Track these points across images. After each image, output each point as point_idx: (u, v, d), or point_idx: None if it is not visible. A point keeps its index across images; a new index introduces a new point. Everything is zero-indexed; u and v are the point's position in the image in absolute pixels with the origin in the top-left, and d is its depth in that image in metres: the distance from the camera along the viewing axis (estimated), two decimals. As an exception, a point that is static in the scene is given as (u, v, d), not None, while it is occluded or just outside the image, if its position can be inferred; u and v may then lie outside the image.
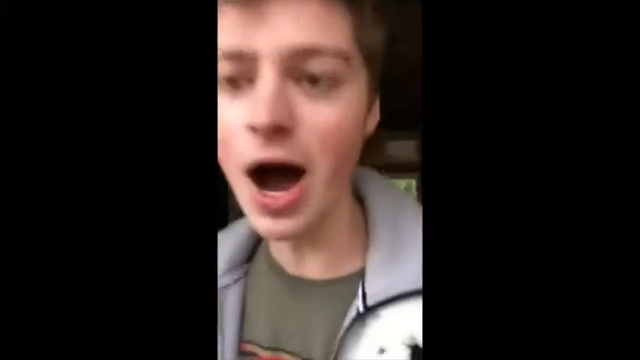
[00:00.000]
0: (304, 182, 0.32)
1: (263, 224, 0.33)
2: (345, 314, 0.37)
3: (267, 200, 0.32)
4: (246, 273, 0.45)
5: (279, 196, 0.32)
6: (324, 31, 0.29)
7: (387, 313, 0.35)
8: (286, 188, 0.32)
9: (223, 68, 0.32)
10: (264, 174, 0.32)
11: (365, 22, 0.31)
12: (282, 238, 0.35)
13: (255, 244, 0.47)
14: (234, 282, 0.44)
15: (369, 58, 0.33)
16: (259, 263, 0.45)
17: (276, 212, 0.32)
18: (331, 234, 0.39)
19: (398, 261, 0.37)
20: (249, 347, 0.42)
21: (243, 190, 0.34)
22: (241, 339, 0.43)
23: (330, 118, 0.30)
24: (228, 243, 0.46)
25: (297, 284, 0.41)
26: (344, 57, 0.30)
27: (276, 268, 0.43)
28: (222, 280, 0.44)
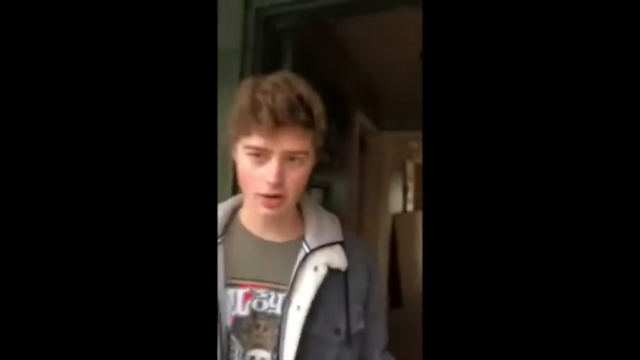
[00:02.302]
0: (285, 199, 0.68)
1: (263, 211, 0.68)
2: (296, 257, 0.70)
3: (267, 203, 0.68)
4: (223, 238, 0.73)
5: (273, 202, 0.68)
6: (301, 144, 0.66)
7: (318, 252, 0.70)
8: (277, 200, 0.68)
9: (252, 151, 0.66)
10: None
11: (316, 136, 0.69)
12: (273, 216, 0.70)
13: (229, 218, 0.76)
14: (220, 242, 0.72)
15: (317, 146, 0.70)
16: (233, 230, 0.75)
17: (270, 207, 0.68)
18: (288, 218, 0.75)
19: (321, 229, 0.74)
20: (234, 281, 0.69)
21: (254, 199, 0.68)
22: (230, 279, 0.69)
23: (298, 175, 0.68)
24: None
25: (264, 243, 0.73)
26: (306, 153, 0.67)
27: (247, 234, 0.74)
28: None
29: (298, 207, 0.77)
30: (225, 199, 0.80)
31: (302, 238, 0.72)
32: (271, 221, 0.72)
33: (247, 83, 0.66)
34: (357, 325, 0.71)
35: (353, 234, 0.79)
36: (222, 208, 0.76)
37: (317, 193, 2.24)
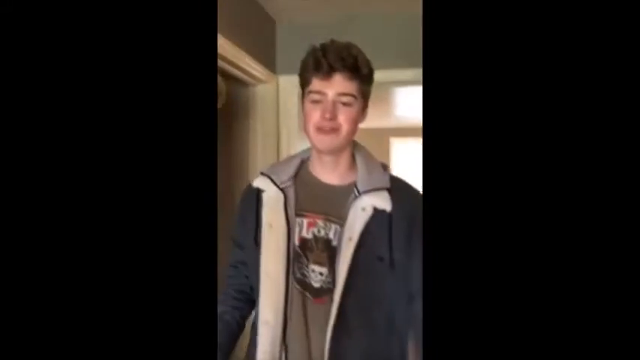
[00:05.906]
0: (338, 132, 0.89)
1: (321, 143, 0.90)
2: (348, 197, 0.92)
3: (324, 133, 0.89)
4: (293, 180, 0.97)
5: (329, 132, 0.89)
6: (349, 87, 0.89)
7: (366, 196, 0.90)
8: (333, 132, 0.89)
9: (314, 96, 0.90)
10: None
11: (362, 82, 0.91)
12: (328, 149, 0.92)
13: (299, 167, 0.99)
14: (292, 184, 0.96)
15: (364, 95, 0.92)
16: (302, 175, 0.98)
17: (327, 135, 0.89)
18: (343, 164, 0.96)
19: (371, 177, 0.94)
20: (301, 212, 0.94)
21: (314, 135, 0.90)
22: (298, 210, 0.94)
23: (349, 114, 0.89)
24: (288, 164, 1.00)
25: (325, 186, 0.96)
26: (354, 96, 0.89)
27: (313, 178, 0.98)
28: (286, 183, 0.96)
29: (353, 157, 0.98)
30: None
31: (355, 183, 0.93)
32: (331, 167, 0.95)
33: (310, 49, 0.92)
34: (398, 255, 0.89)
35: (402, 181, 0.98)
36: (291, 161, 1.00)
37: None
